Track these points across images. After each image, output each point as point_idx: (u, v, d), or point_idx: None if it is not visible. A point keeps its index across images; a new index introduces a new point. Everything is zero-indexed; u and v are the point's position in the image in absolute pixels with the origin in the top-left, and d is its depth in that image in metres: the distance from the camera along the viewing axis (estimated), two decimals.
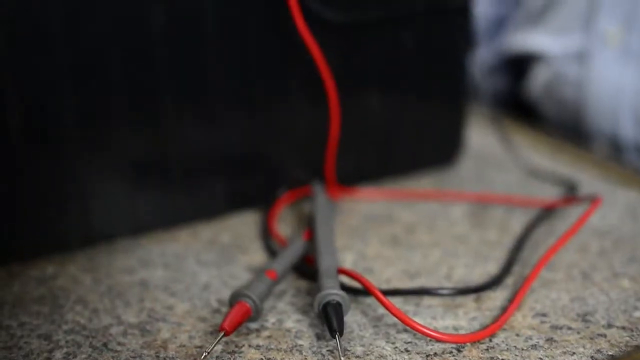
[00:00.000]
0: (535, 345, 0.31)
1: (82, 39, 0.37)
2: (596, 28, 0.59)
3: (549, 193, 0.48)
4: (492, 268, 0.38)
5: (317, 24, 0.42)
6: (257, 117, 0.44)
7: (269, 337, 0.32)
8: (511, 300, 0.35)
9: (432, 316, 0.34)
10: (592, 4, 0.59)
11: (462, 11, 0.49)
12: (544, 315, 0.34)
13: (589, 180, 0.51)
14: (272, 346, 0.31)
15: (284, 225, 0.44)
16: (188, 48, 0.40)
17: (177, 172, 0.42)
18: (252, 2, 0.41)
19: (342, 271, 0.35)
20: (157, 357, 0.30)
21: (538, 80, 0.66)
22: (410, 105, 0.50)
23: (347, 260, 0.39)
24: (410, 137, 0.51)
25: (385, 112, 0.49)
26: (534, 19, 0.67)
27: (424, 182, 0.51)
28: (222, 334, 0.30)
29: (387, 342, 0.32)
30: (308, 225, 0.40)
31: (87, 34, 0.37)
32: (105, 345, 0.31)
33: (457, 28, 0.49)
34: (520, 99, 0.73)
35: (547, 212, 0.45)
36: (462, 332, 0.32)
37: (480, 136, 0.59)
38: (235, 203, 0.45)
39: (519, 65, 0.73)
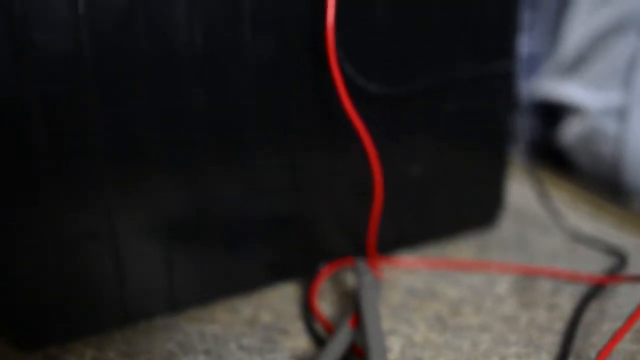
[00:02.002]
0: None
1: (121, 114, 0.36)
2: (636, 86, 0.58)
3: (597, 262, 0.47)
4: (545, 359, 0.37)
5: (360, 97, 0.41)
6: (297, 182, 0.42)
7: None
8: None
9: None
10: (632, 61, 0.58)
11: (506, 77, 0.48)
12: None
13: (636, 246, 0.49)
14: None
15: (325, 302, 0.43)
16: (227, 110, 0.39)
17: (216, 238, 0.41)
18: (294, 73, 0.40)
19: None
20: None
21: (572, 131, 0.65)
22: (451, 169, 0.49)
23: (395, 348, 0.38)
24: (450, 200, 0.50)
25: (426, 178, 0.48)
26: (568, 69, 0.66)
27: (465, 247, 0.50)
28: None
29: None
30: (354, 310, 0.39)
31: (125, 109, 0.36)
32: None
33: (500, 93, 0.48)
34: (552, 143, 0.72)
35: (596, 289, 0.43)
36: None
37: (518, 190, 0.58)
38: (274, 274, 0.44)
39: (551, 109, 0.72)
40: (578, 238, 0.51)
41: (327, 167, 0.43)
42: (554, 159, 0.71)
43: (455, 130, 0.48)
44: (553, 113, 0.71)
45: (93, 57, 0.34)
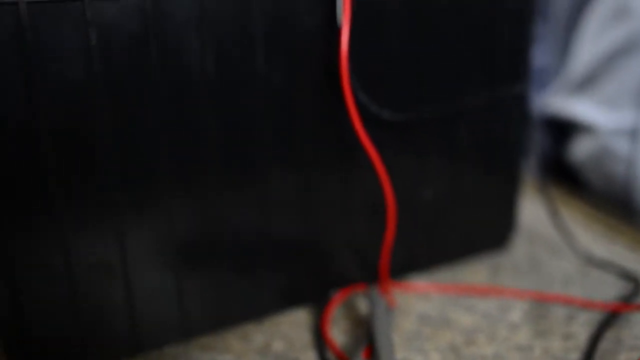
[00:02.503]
0: None
1: (133, 141, 0.36)
2: None
3: (611, 288, 0.46)
4: None
5: (374, 123, 0.41)
6: (309, 206, 0.42)
7: None
8: None
9: None
10: None
11: (519, 100, 0.47)
12: None
13: None
14: None
15: (338, 330, 0.42)
16: (240, 136, 0.38)
17: (227, 264, 0.41)
18: (307, 100, 0.39)
19: None
20: None
21: (583, 149, 0.64)
22: (464, 191, 0.48)
23: None
24: (463, 223, 0.49)
25: (438, 201, 0.47)
26: (579, 87, 0.65)
27: (477, 270, 0.49)
28: None
29: None
30: (367, 340, 0.39)
31: (138, 136, 0.36)
32: None
33: (513, 115, 0.48)
34: (563, 159, 0.72)
35: (611, 317, 0.43)
36: None
37: (529, 208, 0.58)
38: (286, 300, 0.44)
39: (561, 123, 0.71)
40: (591, 261, 0.50)
41: (339, 191, 0.43)
42: (565, 175, 0.71)
43: (468, 153, 0.47)
44: (563, 128, 0.71)
45: (105, 86, 0.34)
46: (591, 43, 0.65)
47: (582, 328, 0.42)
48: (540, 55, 0.77)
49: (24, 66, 0.32)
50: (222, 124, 0.38)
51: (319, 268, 0.44)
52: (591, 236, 0.55)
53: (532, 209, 0.58)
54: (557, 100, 0.69)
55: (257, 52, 0.37)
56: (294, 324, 0.43)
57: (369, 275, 0.46)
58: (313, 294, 0.45)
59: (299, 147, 0.40)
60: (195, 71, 0.36)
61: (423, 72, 0.42)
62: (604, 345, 0.41)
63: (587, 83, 0.64)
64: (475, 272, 0.49)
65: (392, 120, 0.42)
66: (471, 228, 0.50)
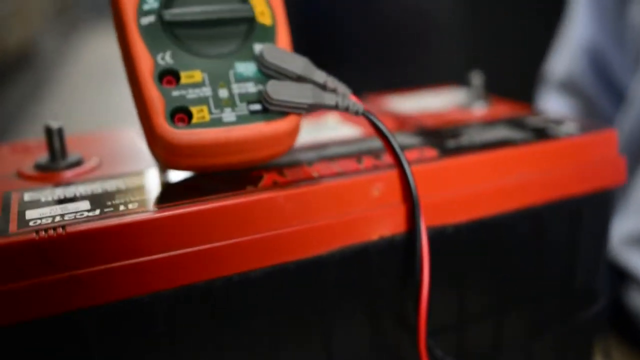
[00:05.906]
0: None
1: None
2: None
3: None
4: None
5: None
6: None
7: None
8: None
9: None
10: None
11: (594, 318, 0.45)
12: None
13: None
14: None
15: None
16: None
17: None
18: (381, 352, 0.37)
19: None
20: None
21: None
22: None
23: None
24: None
25: None
26: (638, 241, 0.62)
27: None
28: None
29: None
30: None
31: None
32: None
33: (590, 332, 0.45)
34: (621, 303, 0.68)
35: None
36: None
37: None
38: None
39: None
40: None
41: None
42: (623, 320, 0.68)
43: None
44: (620, 268, 0.68)
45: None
46: None
47: None
48: None
49: None
50: None
51: None
52: None
53: None
54: (615, 245, 0.66)
55: (329, 315, 0.36)
56: None
57: None
58: None
59: None
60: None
61: (501, 316, 0.40)
62: None
63: None
64: None
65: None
66: None
